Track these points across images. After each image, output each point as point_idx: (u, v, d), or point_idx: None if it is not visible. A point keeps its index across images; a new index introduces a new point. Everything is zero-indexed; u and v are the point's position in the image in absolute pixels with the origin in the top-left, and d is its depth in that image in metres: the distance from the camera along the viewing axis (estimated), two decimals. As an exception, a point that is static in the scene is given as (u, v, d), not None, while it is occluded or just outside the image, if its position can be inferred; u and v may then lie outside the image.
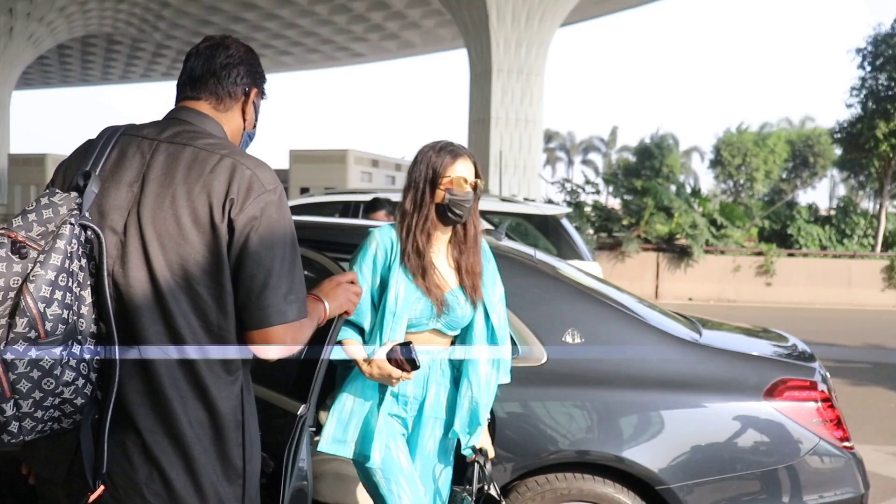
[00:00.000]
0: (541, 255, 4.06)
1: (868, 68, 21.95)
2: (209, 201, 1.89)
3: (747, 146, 48.26)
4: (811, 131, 53.39)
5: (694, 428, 3.28)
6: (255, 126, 2.24)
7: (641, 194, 20.24)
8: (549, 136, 67.13)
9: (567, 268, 4.11)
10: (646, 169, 47.16)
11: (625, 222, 19.91)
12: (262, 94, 2.22)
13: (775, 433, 3.28)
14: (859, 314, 16.67)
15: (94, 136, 2.05)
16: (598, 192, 23.96)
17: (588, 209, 20.81)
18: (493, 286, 2.89)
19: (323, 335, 2.86)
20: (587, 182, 21.36)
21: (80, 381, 1.82)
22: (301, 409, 2.77)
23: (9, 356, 1.71)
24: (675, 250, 19.06)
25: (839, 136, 23.73)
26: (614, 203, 24.91)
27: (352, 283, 2.35)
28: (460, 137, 32.06)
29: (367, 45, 49.99)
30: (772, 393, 3.33)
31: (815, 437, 3.29)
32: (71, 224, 1.80)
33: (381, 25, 44.83)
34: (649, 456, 3.18)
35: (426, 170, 2.74)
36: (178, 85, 2.14)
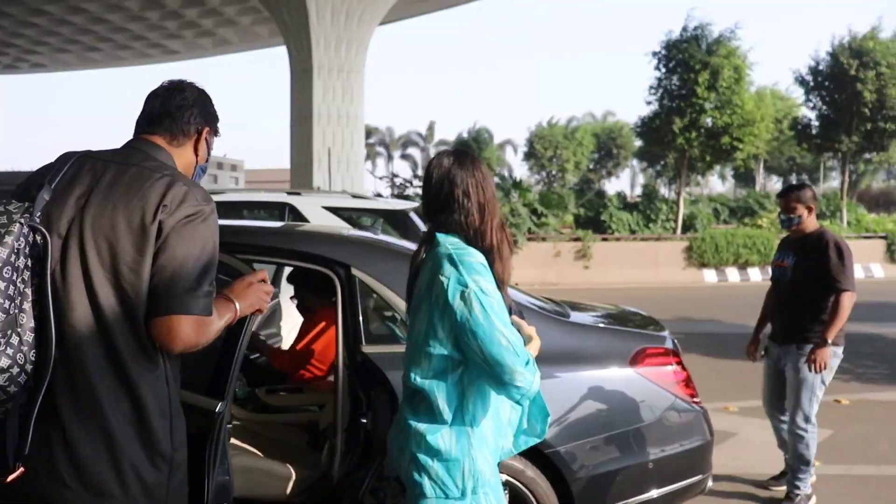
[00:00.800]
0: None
1: (663, 70, 23.77)
2: (143, 207, 2.07)
3: (558, 139, 50.87)
4: (613, 125, 56.95)
5: (573, 395, 3.69)
6: (207, 160, 2.45)
7: (467, 187, 20.92)
8: (368, 132, 67.41)
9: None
10: (476, 160, 48.50)
11: (452, 214, 20.51)
12: (214, 132, 2.44)
13: (641, 395, 3.77)
14: (665, 291, 18.13)
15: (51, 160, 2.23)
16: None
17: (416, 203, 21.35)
18: None
19: (236, 334, 3.03)
20: (415, 176, 21.88)
21: (16, 370, 1.92)
22: (219, 407, 2.92)
23: None
24: (501, 239, 19.89)
25: (640, 130, 25.43)
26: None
27: (262, 281, 2.46)
28: (283, 135, 31.62)
29: (181, 42, 48.19)
30: (636, 360, 3.81)
31: (672, 395, 3.82)
32: (20, 224, 1.96)
33: (195, 22, 43.34)
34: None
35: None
36: (136, 122, 2.32)
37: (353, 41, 29.95)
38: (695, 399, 3.93)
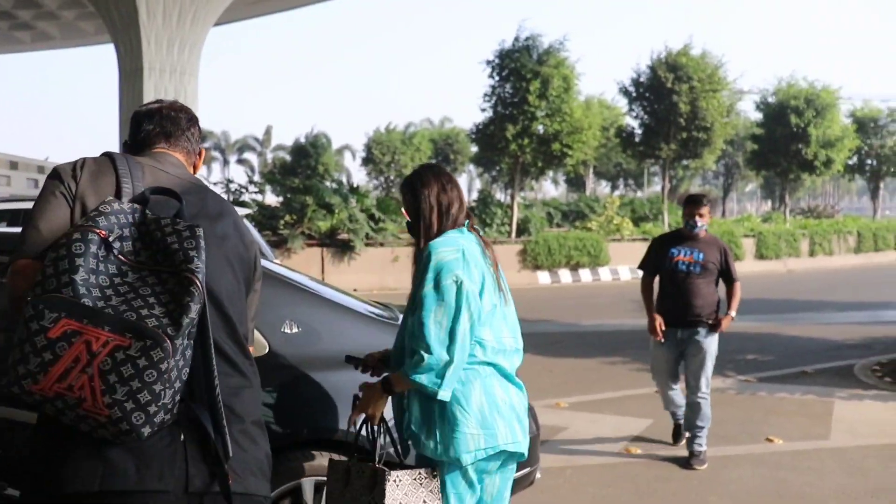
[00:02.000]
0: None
1: (497, 78, 24.42)
2: (242, 240, 2.22)
3: (396, 144, 51.11)
4: (450, 131, 57.87)
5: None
6: None
7: (303, 192, 20.69)
8: (203, 136, 65.05)
9: (270, 264, 4.32)
10: (302, 167, 47.87)
11: (288, 220, 20.18)
12: None
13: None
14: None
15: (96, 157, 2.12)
16: (262, 192, 24.06)
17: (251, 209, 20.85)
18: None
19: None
20: (251, 181, 21.35)
21: (184, 374, 1.82)
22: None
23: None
24: (338, 244, 19.76)
25: (476, 136, 25.99)
26: (272, 201, 25.20)
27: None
28: (112, 136, 30.09)
29: (-8, 33, 44.84)
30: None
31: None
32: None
33: (11, 13, 40.42)
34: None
35: None
36: (150, 137, 2.28)
37: (186, 41, 28.93)
38: (523, 396, 4.00)
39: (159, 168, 2.14)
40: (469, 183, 73.91)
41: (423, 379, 2.63)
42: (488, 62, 24.52)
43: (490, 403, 2.75)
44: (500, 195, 51.36)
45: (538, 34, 23.66)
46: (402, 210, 2.96)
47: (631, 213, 31.93)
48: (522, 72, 22.99)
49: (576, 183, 59.48)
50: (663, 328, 5.78)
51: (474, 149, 34.40)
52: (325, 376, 3.56)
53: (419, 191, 2.89)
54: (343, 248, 19.67)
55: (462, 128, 56.97)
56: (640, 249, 22.65)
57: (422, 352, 2.64)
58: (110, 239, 1.80)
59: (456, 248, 2.74)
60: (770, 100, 34.04)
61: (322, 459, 3.44)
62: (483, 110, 25.00)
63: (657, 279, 6.02)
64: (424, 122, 61.44)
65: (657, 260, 5.96)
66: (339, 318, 3.79)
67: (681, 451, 5.83)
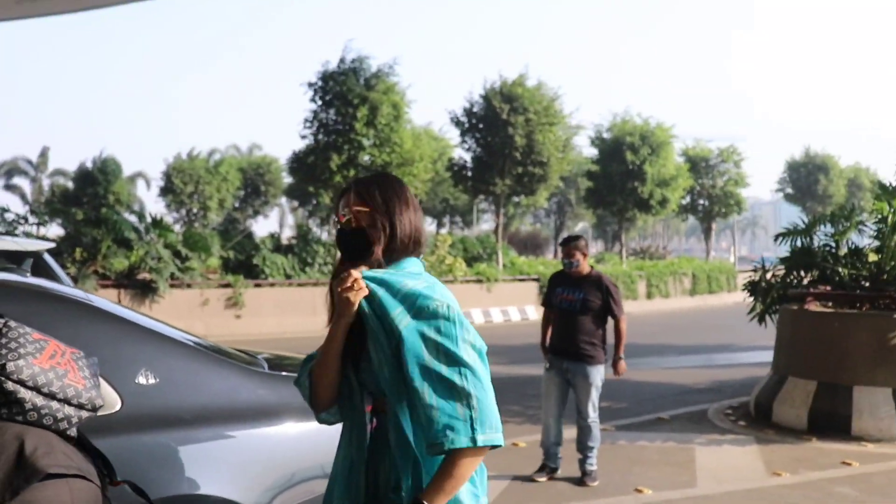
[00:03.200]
0: (78, 292, 4.03)
1: (319, 103, 24.48)
2: None
3: (199, 173, 49.69)
4: (261, 159, 57.13)
5: (276, 453, 3.59)
6: None
7: (95, 225, 19.75)
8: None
9: (109, 304, 4.14)
10: (88, 196, 45.58)
11: (77, 256, 19.17)
12: None
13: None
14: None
15: None
16: (43, 224, 22.72)
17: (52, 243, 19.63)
18: None
19: None
20: (32, 212, 20.12)
21: None
22: None
23: None
24: (138, 285, 18.95)
25: (293, 165, 25.83)
26: (53, 234, 23.88)
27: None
28: None
29: None
30: (339, 412, 3.82)
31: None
32: None
33: None
34: (237, 489, 3.41)
35: None
36: None
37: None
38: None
39: None
40: (281, 217, 73.12)
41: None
42: (310, 84, 24.58)
43: None
44: (317, 232, 51.15)
45: (366, 56, 24.01)
46: (351, 211, 2.38)
47: (463, 252, 32.70)
48: (349, 96, 23.20)
49: (400, 220, 60.14)
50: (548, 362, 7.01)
51: (289, 180, 34.13)
52: (187, 434, 3.44)
53: (397, 202, 2.43)
54: (144, 290, 18.87)
55: (273, 156, 56.48)
56: (475, 291, 23.22)
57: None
58: None
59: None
60: (605, 135, 36.19)
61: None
62: (303, 137, 24.97)
63: None
64: (231, 149, 60.23)
65: (550, 296, 7.08)
66: (201, 366, 3.67)
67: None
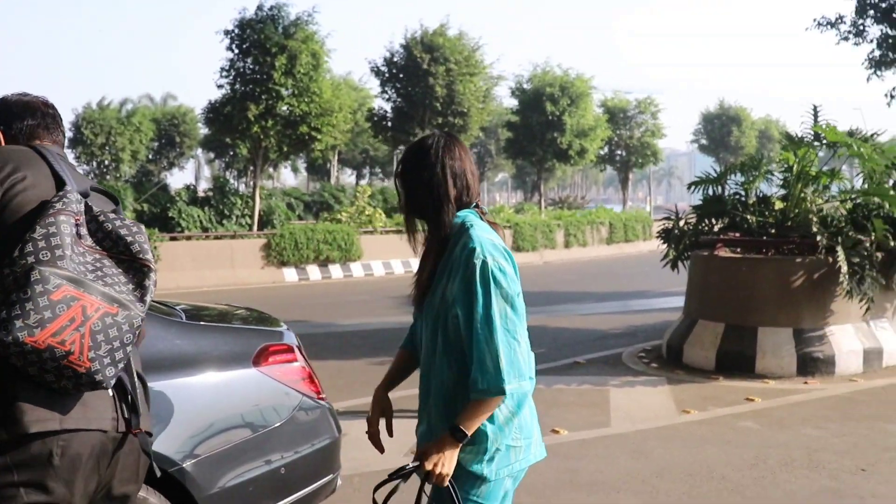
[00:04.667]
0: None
1: (236, 51, 23.97)
2: None
3: (111, 124, 48.26)
4: (175, 110, 55.77)
5: (196, 403, 3.63)
6: None
7: None
8: None
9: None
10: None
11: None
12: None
13: (267, 395, 3.84)
14: (244, 292, 18.33)
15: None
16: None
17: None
18: None
19: None
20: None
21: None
22: None
23: None
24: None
25: (209, 116, 25.30)
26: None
27: None
28: None
29: None
30: (259, 359, 3.87)
31: (299, 393, 3.95)
32: None
33: None
34: (157, 440, 3.44)
35: None
36: (35, 128, 2.62)
37: None
38: (321, 396, 4.11)
39: (68, 163, 2.56)
40: (197, 170, 71.79)
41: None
42: (227, 32, 24.05)
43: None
44: (234, 184, 50.35)
45: (284, 3, 23.56)
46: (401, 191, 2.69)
47: (383, 203, 32.69)
48: (267, 45, 22.78)
49: (318, 171, 59.69)
50: None
51: (205, 131, 33.48)
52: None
53: (436, 158, 2.60)
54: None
55: (189, 107, 55.24)
56: (395, 242, 23.25)
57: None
58: (78, 224, 2.31)
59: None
60: (526, 86, 36.38)
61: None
62: (220, 87, 24.48)
63: None
64: (144, 99, 58.63)
65: None
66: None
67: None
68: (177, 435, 3.48)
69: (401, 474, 2.53)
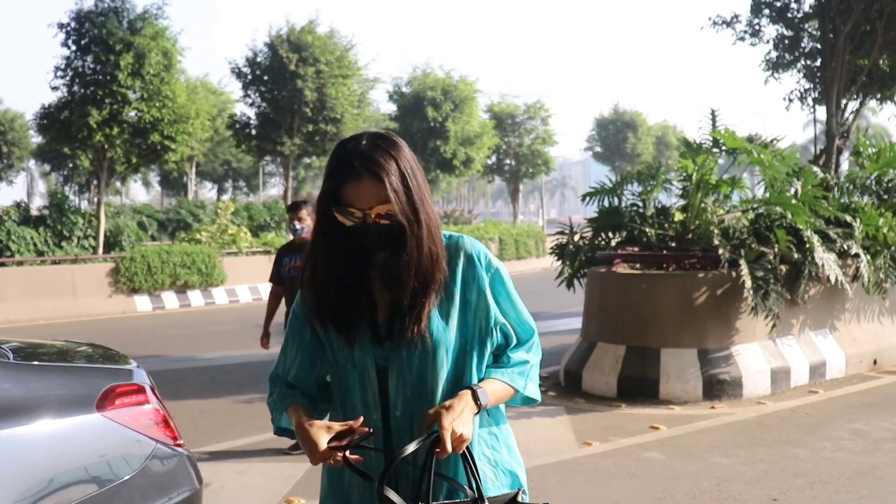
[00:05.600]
0: None
1: (73, 48, 23.26)
2: None
3: (-76, 132, 46.29)
4: (1, 114, 53.79)
5: (30, 457, 3.48)
6: None
7: None
8: None
9: None
10: None
11: None
12: None
13: (115, 444, 3.71)
14: (89, 324, 17.76)
15: None
16: None
17: None
18: None
19: None
20: None
21: None
22: None
23: None
24: None
25: (43, 122, 24.45)
26: None
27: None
28: None
29: None
30: (104, 402, 3.73)
31: (153, 440, 3.83)
32: None
33: None
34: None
35: None
36: None
37: None
38: (178, 442, 3.99)
39: None
40: (29, 184, 69.31)
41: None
42: (61, 26, 23.34)
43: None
44: (75, 200, 48.80)
45: (128, -5, 23.00)
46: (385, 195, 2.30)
47: (248, 220, 32.27)
48: (110, 41, 22.20)
49: (173, 185, 58.51)
50: (268, 341, 7.46)
51: (38, 139, 32.37)
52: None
53: (410, 161, 2.38)
54: None
55: (18, 112, 53.36)
56: (263, 264, 23.03)
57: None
58: None
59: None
60: (405, 90, 36.59)
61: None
62: (55, 89, 23.70)
63: None
64: (-36, 103, 56.34)
65: (278, 269, 7.50)
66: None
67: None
68: (6, 496, 3.33)
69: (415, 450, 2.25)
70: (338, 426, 2.23)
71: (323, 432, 2.22)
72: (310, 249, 2.44)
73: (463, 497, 2.29)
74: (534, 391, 2.52)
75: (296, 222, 7.53)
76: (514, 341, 2.52)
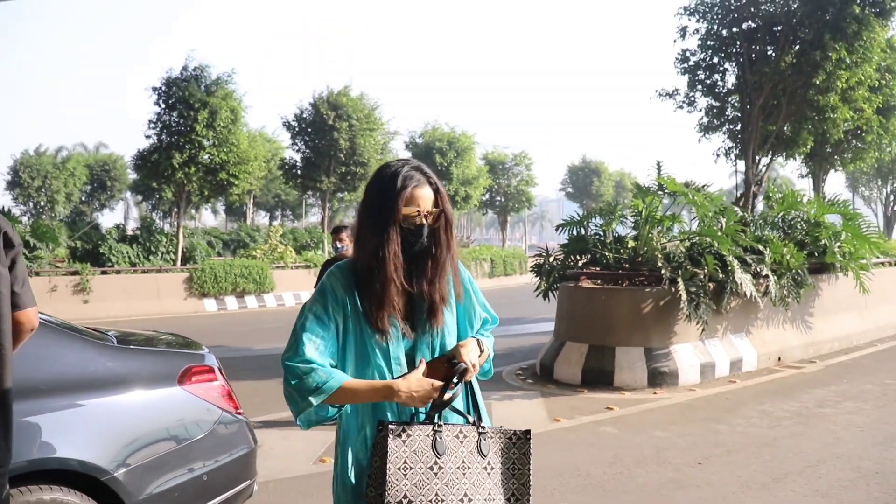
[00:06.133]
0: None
1: (163, 106, 23.39)
2: None
3: (47, 168, 46.35)
4: (107, 157, 53.90)
5: (127, 418, 3.52)
6: None
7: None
8: None
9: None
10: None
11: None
12: None
13: (191, 411, 3.75)
14: (169, 321, 17.73)
15: None
16: None
17: None
18: None
19: None
20: None
21: None
22: None
23: None
24: (-14, 274, 17.52)
25: (138, 163, 24.55)
26: None
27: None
28: None
29: None
30: (183, 378, 3.77)
31: (219, 409, 3.86)
32: None
33: None
34: (91, 452, 3.32)
35: None
36: None
37: None
38: (238, 411, 4.03)
39: None
40: (126, 211, 69.32)
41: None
42: (154, 89, 23.45)
43: None
44: (159, 223, 48.87)
45: (206, 65, 23.17)
46: (438, 207, 2.32)
47: (293, 241, 32.29)
48: (190, 101, 22.31)
49: (235, 212, 58.51)
50: None
51: (134, 176, 32.45)
52: (38, 404, 3.30)
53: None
54: (-10, 278, 17.45)
55: (119, 154, 53.51)
56: (304, 276, 22.92)
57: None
58: None
59: None
60: (418, 140, 36.73)
61: (37, 494, 3.17)
62: (148, 137, 23.81)
63: None
64: (78, 147, 56.48)
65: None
66: (52, 340, 3.51)
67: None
68: (108, 447, 3.37)
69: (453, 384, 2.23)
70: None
71: (428, 379, 2.18)
72: (368, 254, 2.26)
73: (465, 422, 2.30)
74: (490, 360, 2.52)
75: (338, 242, 7.59)
76: (490, 323, 2.58)
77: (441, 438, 2.18)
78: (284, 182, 33.65)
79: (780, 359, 10.55)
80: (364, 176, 29.65)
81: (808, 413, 7.68)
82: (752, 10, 15.95)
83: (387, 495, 2.08)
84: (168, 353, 4.02)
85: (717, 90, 17.39)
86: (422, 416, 2.25)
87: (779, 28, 15.75)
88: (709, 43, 16.78)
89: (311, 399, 2.20)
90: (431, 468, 2.14)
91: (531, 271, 12.05)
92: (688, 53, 17.18)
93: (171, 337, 4.59)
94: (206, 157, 23.14)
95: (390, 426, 2.14)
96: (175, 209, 25.80)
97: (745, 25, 16.19)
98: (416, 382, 2.17)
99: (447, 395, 2.19)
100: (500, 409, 8.03)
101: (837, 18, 14.63)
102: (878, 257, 13.21)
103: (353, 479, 2.24)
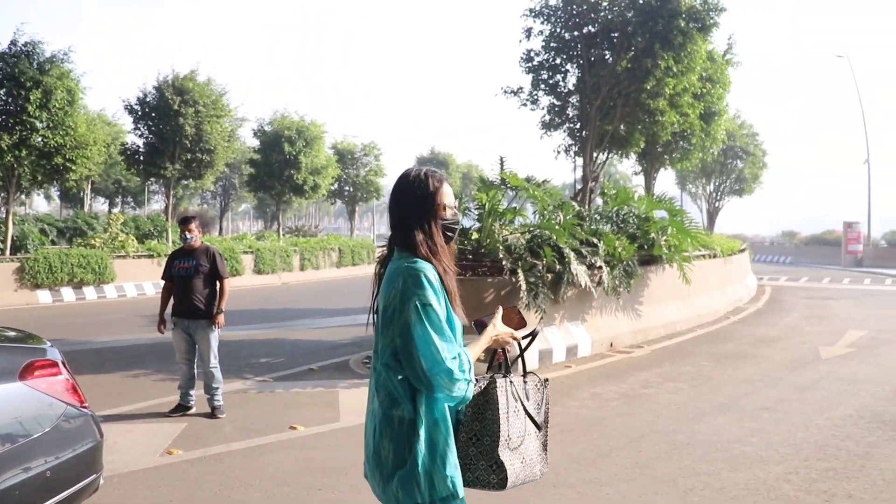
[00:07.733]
0: None
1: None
2: None
3: None
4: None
5: None
6: None
7: None
8: None
9: None
10: None
11: None
12: None
13: (33, 407, 3.66)
14: (0, 314, 16.67)
15: None
16: None
17: None
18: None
19: None
20: None
21: None
22: None
23: None
24: None
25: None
26: None
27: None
28: None
29: None
30: (24, 374, 3.68)
31: (63, 403, 3.80)
32: None
33: None
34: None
35: None
36: None
37: None
38: (84, 404, 3.97)
39: None
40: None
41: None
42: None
43: None
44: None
45: (39, 41, 21.61)
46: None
47: (135, 230, 30.90)
48: (21, 79, 20.80)
49: (71, 199, 55.11)
50: (164, 327, 7.43)
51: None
52: None
53: None
54: None
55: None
56: (147, 266, 22.09)
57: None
58: None
59: None
60: (267, 128, 35.99)
61: None
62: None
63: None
64: None
65: (169, 269, 7.52)
66: None
67: (216, 447, 6.13)
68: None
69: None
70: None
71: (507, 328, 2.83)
72: (439, 249, 2.56)
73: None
74: None
75: (186, 233, 7.45)
76: None
77: (515, 388, 2.69)
78: (126, 168, 32.06)
79: (612, 344, 11.28)
80: (210, 163, 28.77)
81: (634, 394, 8.32)
82: (593, 15, 16.77)
83: (501, 433, 2.54)
84: (7, 347, 3.90)
85: (558, 90, 18.15)
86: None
87: (615, 35, 16.66)
88: (552, 44, 17.47)
89: (471, 377, 2.49)
90: (516, 411, 2.65)
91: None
92: (532, 54, 17.82)
93: (9, 331, 4.43)
94: (39, 139, 21.68)
95: (498, 380, 2.65)
96: (3, 194, 23.96)
97: (585, 30, 17.01)
98: (502, 329, 2.82)
99: (525, 344, 2.94)
100: (347, 397, 8.17)
101: (666, 30, 15.68)
102: (699, 251, 14.37)
103: (450, 440, 2.44)
